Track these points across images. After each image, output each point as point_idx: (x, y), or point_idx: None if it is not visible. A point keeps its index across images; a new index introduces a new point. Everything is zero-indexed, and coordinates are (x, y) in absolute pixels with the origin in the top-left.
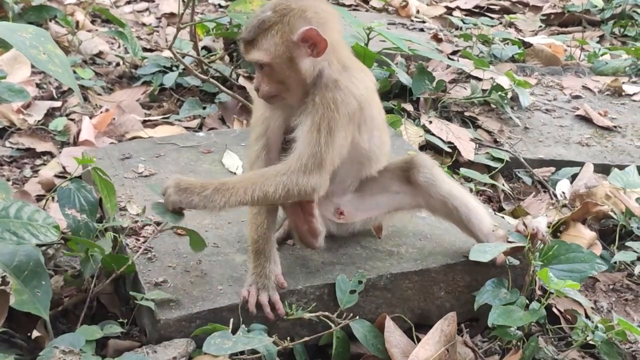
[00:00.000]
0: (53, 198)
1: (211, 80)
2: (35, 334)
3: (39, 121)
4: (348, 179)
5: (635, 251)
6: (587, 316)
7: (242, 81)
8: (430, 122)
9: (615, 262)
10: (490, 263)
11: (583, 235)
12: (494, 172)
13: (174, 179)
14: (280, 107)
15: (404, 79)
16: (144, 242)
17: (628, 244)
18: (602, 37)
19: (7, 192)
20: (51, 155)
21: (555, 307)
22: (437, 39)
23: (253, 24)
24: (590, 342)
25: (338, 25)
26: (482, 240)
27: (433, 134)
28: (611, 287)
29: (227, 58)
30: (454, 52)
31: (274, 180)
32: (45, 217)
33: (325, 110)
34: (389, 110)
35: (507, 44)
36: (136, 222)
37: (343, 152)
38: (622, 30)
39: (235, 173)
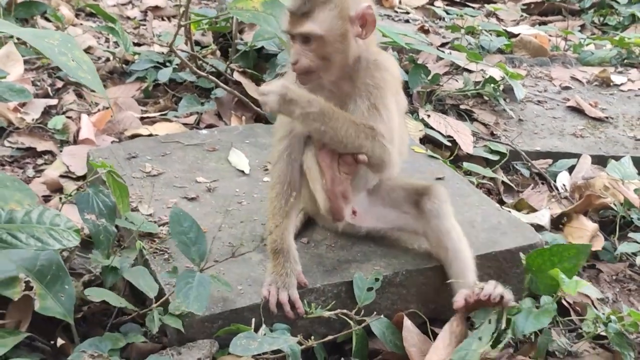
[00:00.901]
0: (61, 199)
1: (210, 77)
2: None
3: (36, 120)
4: (369, 173)
5: (637, 242)
6: (595, 307)
7: (237, 76)
8: (429, 115)
9: (617, 254)
10: (501, 258)
11: (586, 227)
12: (496, 166)
13: (281, 87)
14: None
15: None
16: (160, 243)
17: (630, 235)
18: (583, 26)
19: (32, 198)
20: (52, 154)
21: (564, 299)
22: (424, 30)
23: None
24: (601, 334)
25: None
26: (455, 291)
27: (432, 128)
28: (614, 277)
29: (218, 52)
30: (443, 44)
31: (369, 134)
32: (66, 221)
33: (377, 90)
34: None
35: (491, 34)
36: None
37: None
38: (602, 19)
39: (243, 171)
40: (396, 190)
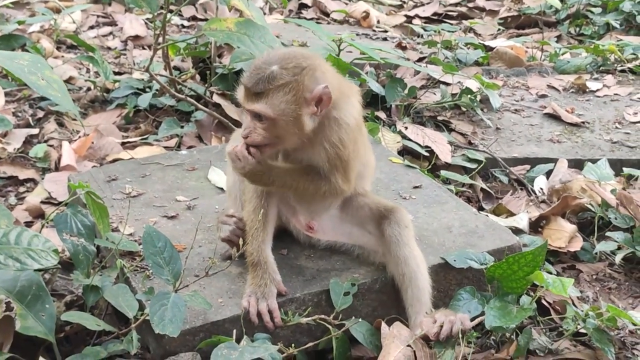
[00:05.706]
0: (44, 225)
1: (188, 99)
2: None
3: (18, 149)
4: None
5: (615, 240)
6: (575, 306)
7: (216, 98)
8: (406, 127)
9: (596, 253)
10: (480, 265)
11: (564, 229)
12: (472, 173)
13: (252, 168)
14: None
15: (375, 87)
16: (140, 261)
17: (608, 234)
18: (559, 37)
19: (8, 218)
20: (34, 182)
21: (544, 299)
22: (401, 47)
23: (261, 77)
24: (582, 331)
25: (332, 69)
26: (409, 315)
27: (410, 139)
28: (594, 277)
29: (197, 77)
30: (420, 59)
31: (325, 183)
32: (44, 242)
33: (335, 149)
34: (364, 119)
35: (469, 48)
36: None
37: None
38: (577, 29)
39: (222, 189)
40: (364, 208)
